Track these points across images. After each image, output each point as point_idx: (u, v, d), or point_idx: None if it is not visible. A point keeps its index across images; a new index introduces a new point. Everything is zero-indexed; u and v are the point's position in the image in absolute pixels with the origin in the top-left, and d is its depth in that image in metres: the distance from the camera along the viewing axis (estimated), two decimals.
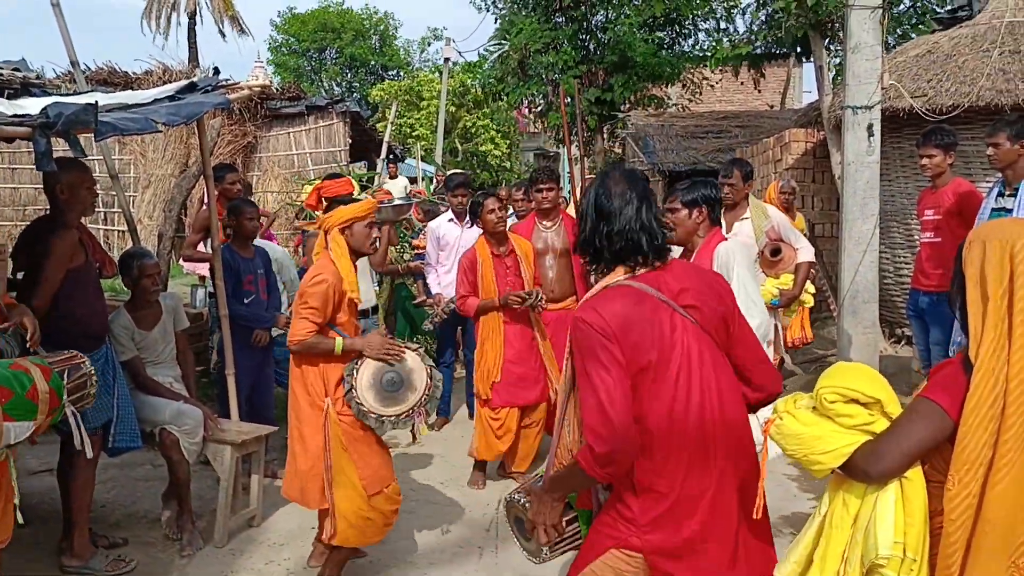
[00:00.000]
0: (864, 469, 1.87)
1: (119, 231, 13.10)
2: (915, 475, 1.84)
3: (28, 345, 3.27)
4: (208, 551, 4.12)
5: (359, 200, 3.68)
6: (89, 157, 9.35)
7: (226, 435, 4.32)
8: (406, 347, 3.61)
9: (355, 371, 3.48)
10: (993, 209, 4.56)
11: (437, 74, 26.12)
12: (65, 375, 3.20)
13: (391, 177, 11.91)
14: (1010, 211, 4.43)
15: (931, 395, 1.84)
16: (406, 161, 18.29)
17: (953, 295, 1.90)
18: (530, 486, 2.47)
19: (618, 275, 2.19)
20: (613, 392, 2.03)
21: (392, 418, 3.48)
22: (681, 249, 3.83)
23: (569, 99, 8.69)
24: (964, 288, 1.85)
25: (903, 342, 7.92)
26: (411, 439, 6.28)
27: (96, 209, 11.46)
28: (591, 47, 14.87)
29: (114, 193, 10.58)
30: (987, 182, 6.06)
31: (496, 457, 5.04)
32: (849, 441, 1.91)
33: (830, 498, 1.97)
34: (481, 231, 5.06)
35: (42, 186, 3.97)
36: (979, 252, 1.82)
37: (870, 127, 6.40)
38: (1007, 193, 4.51)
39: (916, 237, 7.35)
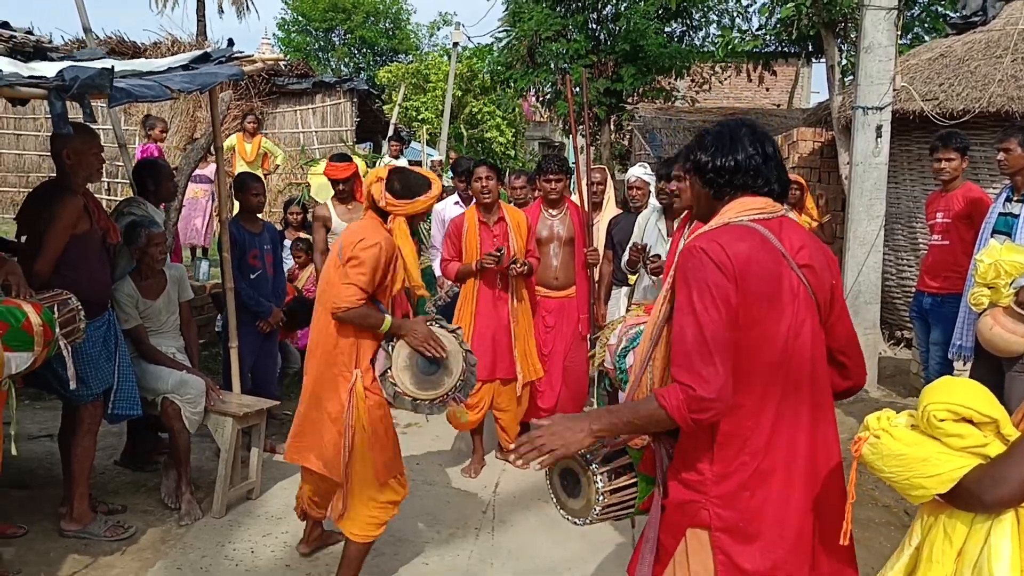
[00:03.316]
0: (978, 496, 1.64)
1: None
2: None
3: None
4: (206, 521, 4.14)
5: (425, 187, 3.43)
6: (97, 126, 9.29)
7: (228, 407, 4.33)
8: (444, 328, 3.44)
9: (391, 349, 3.32)
10: (1000, 214, 4.58)
11: (445, 57, 26.00)
12: (55, 310, 3.32)
13: (393, 157, 11.80)
14: (1017, 216, 4.45)
15: None
16: (411, 145, 18.24)
17: None
18: None
19: (743, 211, 2.03)
20: (721, 334, 1.87)
21: (427, 402, 3.32)
22: None
23: (577, 88, 8.66)
24: None
25: (902, 344, 7.94)
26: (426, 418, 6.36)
27: (102, 178, 11.43)
28: (601, 37, 14.81)
29: (119, 163, 10.57)
30: (993, 188, 6.06)
31: (467, 428, 5.01)
32: (959, 464, 1.68)
33: (925, 527, 1.75)
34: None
35: (47, 153, 3.97)
36: None
37: (879, 128, 6.41)
38: (1015, 199, 4.52)
39: (920, 240, 7.37)
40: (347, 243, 3.29)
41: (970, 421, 1.70)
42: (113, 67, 3.40)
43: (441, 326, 3.46)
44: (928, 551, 1.72)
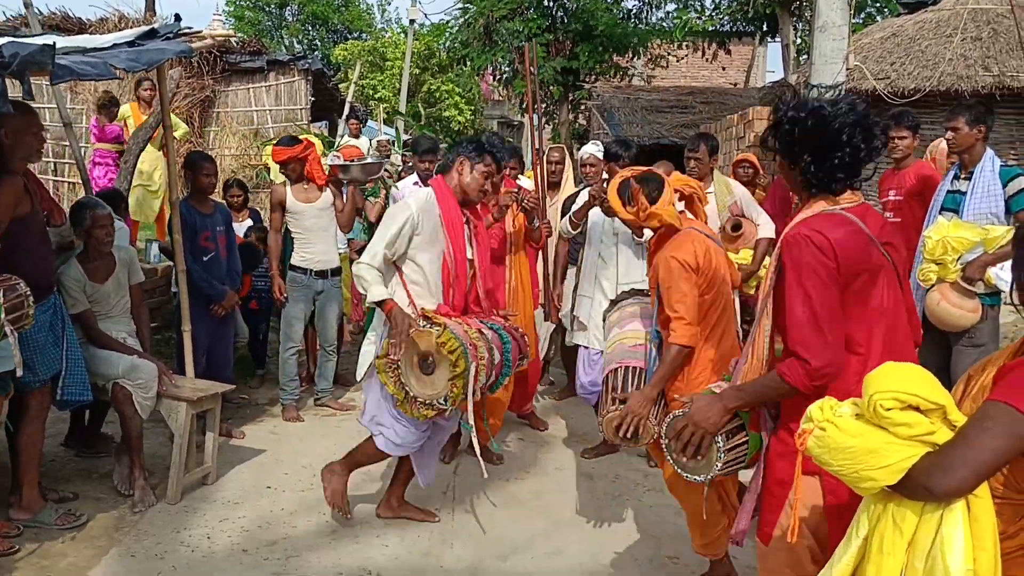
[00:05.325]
0: (927, 486, 1.60)
1: (71, 182, 12.71)
2: (983, 492, 1.60)
3: None
4: (160, 508, 4.07)
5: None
6: (41, 105, 8.96)
7: (181, 391, 4.26)
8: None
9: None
10: (948, 192, 4.67)
11: (403, 35, 25.72)
12: (0, 295, 3.22)
13: (353, 136, 11.57)
14: (964, 194, 4.54)
15: (1007, 399, 1.59)
16: (368, 123, 18.02)
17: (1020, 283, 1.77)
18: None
19: (832, 203, 2.29)
20: (830, 308, 2.16)
21: None
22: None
23: (534, 67, 8.63)
24: None
25: None
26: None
27: (47, 159, 11.09)
28: (557, 15, 14.76)
29: (66, 143, 10.26)
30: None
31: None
32: (907, 454, 1.64)
33: (873, 518, 1.71)
34: None
35: None
36: None
37: None
38: (962, 176, 4.61)
39: None
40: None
41: (917, 408, 1.67)
42: (55, 43, 3.28)
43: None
44: (878, 542, 1.68)
